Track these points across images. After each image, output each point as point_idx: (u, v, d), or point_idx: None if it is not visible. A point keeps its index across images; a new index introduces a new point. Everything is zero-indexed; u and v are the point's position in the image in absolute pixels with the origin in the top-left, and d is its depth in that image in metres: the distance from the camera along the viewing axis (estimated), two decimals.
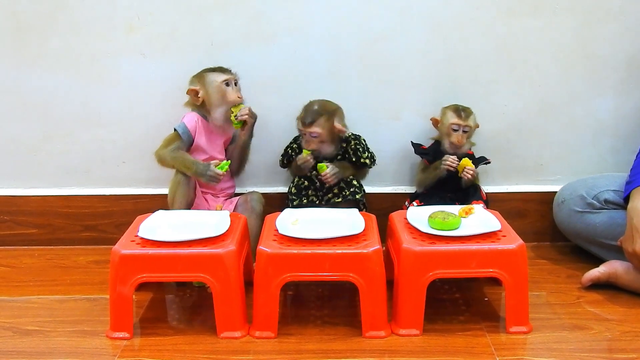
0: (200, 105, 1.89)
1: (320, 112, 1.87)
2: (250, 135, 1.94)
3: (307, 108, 1.88)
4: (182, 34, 1.99)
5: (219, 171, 1.80)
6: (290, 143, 1.97)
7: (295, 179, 1.94)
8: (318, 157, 1.91)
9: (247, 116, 1.86)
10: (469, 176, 1.86)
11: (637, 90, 2.05)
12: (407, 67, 2.02)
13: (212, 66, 1.90)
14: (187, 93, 1.89)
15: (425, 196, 1.94)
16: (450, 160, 1.87)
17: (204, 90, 1.87)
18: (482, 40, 2.00)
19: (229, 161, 1.85)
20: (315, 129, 1.86)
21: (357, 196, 1.89)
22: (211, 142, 1.91)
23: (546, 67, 2.03)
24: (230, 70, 1.90)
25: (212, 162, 1.83)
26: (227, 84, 1.87)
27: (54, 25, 1.98)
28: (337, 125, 1.88)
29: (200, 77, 1.88)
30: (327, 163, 1.88)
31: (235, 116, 1.86)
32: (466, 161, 1.87)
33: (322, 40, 2.00)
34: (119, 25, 1.98)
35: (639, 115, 2.06)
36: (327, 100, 1.91)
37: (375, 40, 2.00)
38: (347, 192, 1.89)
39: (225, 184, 1.94)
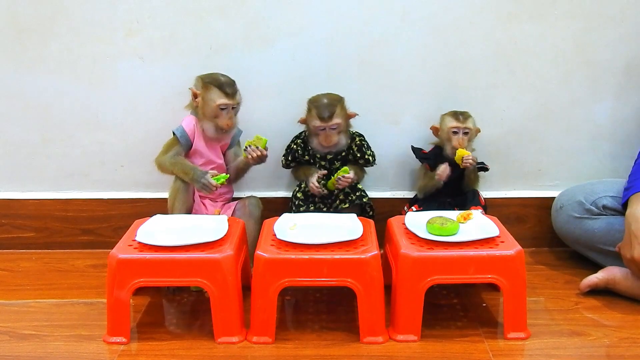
0: (196, 108, 1.88)
1: (333, 103, 1.87)
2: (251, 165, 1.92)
3: (317, 104, 1.87)
4: (182, 38, 1.99)
5: (213, 182, 1.78)
6: (294, 140, 1.97)
7: (303, 185, 1.94)
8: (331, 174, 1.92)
9: (251, 158, 1.83)
10: (469, 163, 1.86)
11: (636, 96, 2.05)
12: (407, 71, 2.02)
13: (224, 75, 1.85)
14: (189, 89, 1.87)
15: (425, 201, 1.94)
16: (440, 171, 1.87)
17: (201, 100, 1.84)
18: (481, 45, 2.00)
19: (228, 175, 1.82)
20: (336, 121, 1.86)
21: (364, 199, 1.90)
22: (209, 147, 1.90)
23: (545, 72, 2.03)
24: (235, 95, 1.84)
25: (210, 171, 1.81)
26: (223, 109, 1.83)
27: (54, 28, 1.98)
28: (349, 111, 1.90)
29: (205, 85, 1.84)
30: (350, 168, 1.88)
31: (245, 149, 1.84)
32: (461, 151, 1.87)
33: (322, 45, 2.00)
34: (118, 29, 1.98)
35: (638, 121, 2.06)
36: (325, 93, 1.91)
37: (375, 44, 2.00)
38: (354, 197, 1.90)
39: (224, 188, 1.94)
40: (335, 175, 1.86)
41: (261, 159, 1.85)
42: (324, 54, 2.00)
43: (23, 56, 2.00)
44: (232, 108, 1.85)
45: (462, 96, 2.02)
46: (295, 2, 1.96)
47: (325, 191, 1.90)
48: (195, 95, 1.86)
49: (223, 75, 1.86)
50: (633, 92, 2.05)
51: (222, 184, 1.79)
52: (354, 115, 1.92)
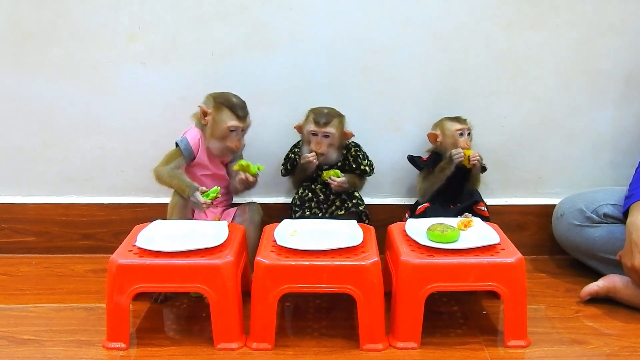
0: (204, 126, 1.85)
1: (333, 114, 1.89)
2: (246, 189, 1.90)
3: (317, 111, 1.89)
4: (183, 44, 1.99)
5: (201, 200, 1.74)
6: (292, 149, 1.97)
7: (300, 190, 1.94)
8: (322, 167, 1.91)
9: (238, 183, 1.83)
10: (477, 160, 1.88)
11: (637, 105, 2.05)
12: (408, 78, 2.03)
13: (235, 96, 1.84)
14: (198, 107, 1.84)
15: (430, 201, 1.94)
16: (460, 153, 1.88)
17: (211, 120, 1.82)
18: (482, 52, 2.01)
19: (219, 188, 1.77)
20: (330, 129, 1.87)
21: (360, 208, 1.90)
22: (211, 160, 1.88)
23: (546, 80, 2.03)
24: (246, 117, 1.83)
25: (200, 187, 1.76)
26: (233, 131, 1.82)
27: (56, 33, 1.98)
28: (346, 129, 1.91)
29: (217, 105, 1.81)
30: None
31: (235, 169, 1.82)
32: (468, 151, 1.89)
33: (323, 51, 2.00)
34: (120, 34, 1.98)
35: (639, 129, 2.06)
36: (329, 107, 1.92)
37: (376, 51, 2.00)
38: (350, 204, 1.89)
39: (223, 194, 1.93)
40: (325, 174, 1.87)
41: (247, 185, 1.83)
42: (325, 61, 2.01)
43: (24, 61, 2.00)
44: (242, 130, 1.84)
45: (462, 103, 2.02)
46: (296, 9, 1.97)
47: (315, 162, 1.88)
48: (205, 114, 1.84)
49: (235, 96, 1.84)
50: (634, 101, 2.05)
51: (212, 199, 1.75)
52: (350, 136, 1.92)
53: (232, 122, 1.81)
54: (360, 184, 1.97)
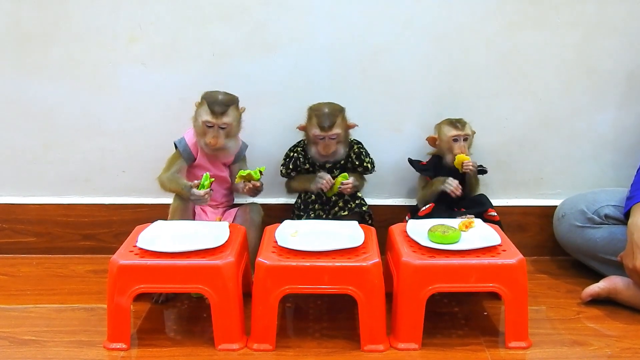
0: None
1: (334, 112, 1.87)
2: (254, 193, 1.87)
3: (319, 113, 1.87)
4: (184, 44, 1.99)
5: (199, 192, 1.74)
6: (293, 148, 1.96)
7: (302, 193, 1.94)
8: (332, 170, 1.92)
9: (245, 192, 1.82)
10: (470, 168, 1.88)
11: (638, 105, 2.05)
12: (409, 79, 2.02)
13: (225, 94, 1.82)
14: (195, 103, 1.84)
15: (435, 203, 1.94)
16: (451, 187, 1.87)
17: (194, 116, 1.83)
18: (484, 53, 2.00)
19: (208, 174, 1.76)
20: (336, 131, 1.86)
21: (364, 208, 1.89)
22: (212, 162, 1.88)
23: (548, 81, 2.03)
24: (223, 115, 1.78)
25: (190, 183, 1.76)
26: (209, 127, 1.79)
27: (56, 34, 1.98)
28: (349, 122, 1.91)
29: (200, 100, 1.82)
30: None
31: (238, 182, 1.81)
32: (461, 157, 1.88)
33: (324, 52, 2.00)
34: (120, 35, 1.98)
35: None
36: (327, 102, 1.91)
37: (377, 52, 2.00)
38: (353, 205, 1.89)
39: (223, 197, 1.94)
40: (336, 183, 1.86)
41: (255, 191, 1.83)
42: (326, 61, 2.01)
43: (25, 62, 2.00)
44: (222, 128, 1.80)
45: (463, 104, 2.02)
46: (297, 10, 1.97)
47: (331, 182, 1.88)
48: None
49: (224, 93, 1.82)
50: (635, 102, 2.05)
51: (209, 186, 1.75)
52: (353, 126, 1.93)
53: (206, 117, 1.78)
54: (361, 183, 1.97)
